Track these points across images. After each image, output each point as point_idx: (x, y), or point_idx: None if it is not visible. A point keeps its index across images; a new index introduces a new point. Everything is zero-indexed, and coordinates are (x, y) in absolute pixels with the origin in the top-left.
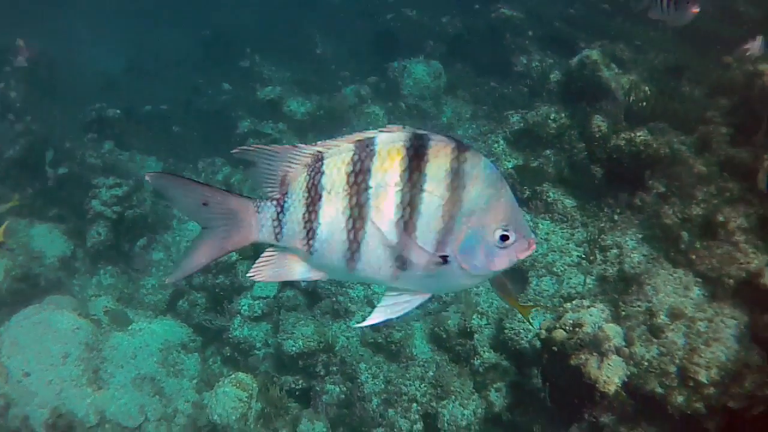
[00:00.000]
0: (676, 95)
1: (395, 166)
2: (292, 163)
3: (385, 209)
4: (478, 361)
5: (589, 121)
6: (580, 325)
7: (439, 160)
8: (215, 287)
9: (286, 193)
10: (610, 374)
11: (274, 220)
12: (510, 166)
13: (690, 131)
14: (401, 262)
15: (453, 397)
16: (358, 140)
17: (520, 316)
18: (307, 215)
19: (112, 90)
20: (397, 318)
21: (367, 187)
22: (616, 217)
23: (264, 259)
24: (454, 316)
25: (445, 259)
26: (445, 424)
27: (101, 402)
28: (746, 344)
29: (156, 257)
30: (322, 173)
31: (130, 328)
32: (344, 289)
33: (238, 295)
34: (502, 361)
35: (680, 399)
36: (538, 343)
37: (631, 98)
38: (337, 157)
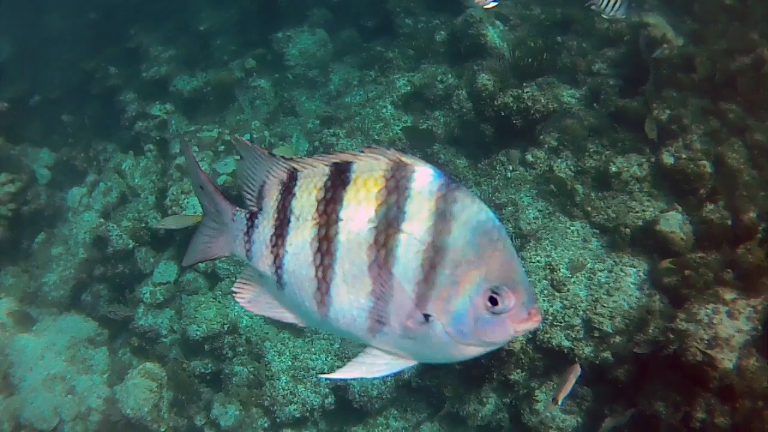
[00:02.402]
0: (564, 49)
1: (370, 199)
2: (270, 174)
3: (355, 248)
4: None
5: (475, 80)
6: None
7: (422, 196)
8: (116, 277)
9: (261, 208)
10: None
11: (244, 234)
12: (398, 129)
13: (579, 84)
14: (377, 316)
15: None
16: (336, 163)
17: None
18: (274, 239)
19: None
20: (372, 378)
21: (338, 219)
22: (509, 175)
23: (245, 279)
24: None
25: (427, 319)
26: (356, 396)
27: (14, 407)
28: (647, 291)
29: (54, 252)
30: (294, 195)
31: (34, 328)
32: (243, 267)
33: (138, 282)
34: None
35: (588, 350)
36: None
37: (517, 54)
38: (311, 179)
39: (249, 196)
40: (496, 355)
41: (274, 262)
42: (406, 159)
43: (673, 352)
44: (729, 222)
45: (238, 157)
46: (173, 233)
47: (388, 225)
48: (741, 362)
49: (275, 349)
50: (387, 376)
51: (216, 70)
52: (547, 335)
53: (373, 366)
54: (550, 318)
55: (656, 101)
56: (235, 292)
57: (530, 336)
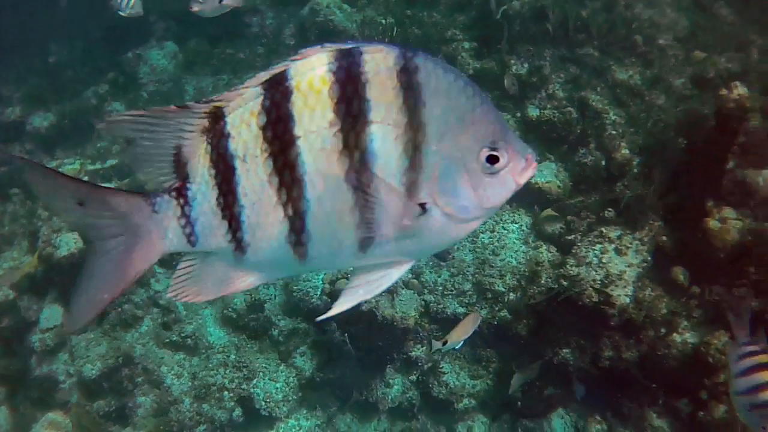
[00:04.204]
0: (415, 22)
1: (324, 100)
2: (185, 131)
3: (325, 162)
4: (276, 331)
5: None
6: None
7: (381, 76)
8: (2, 332)
9: (187, 177)
10: (405, 309)
11: (179, 218)
12: None
13: (434, 54)
14: (367, 228)
15: (261, 374)
16: (266, 80)
17: (305, 275)
18: (222, 199)
19: None
20: (375, 296)
21: (294, 139)
22: None
23: (183, 272)
24: (238, 295)
25: (423, 208)
26: (263, 403)
27: None
28: (533, 243)
29: None
30: (228, 136)
31: None
32: (126, 296)
33: (26, 333)
34: (299, 324)
35: (484, 312)
36: (327, 298)
37: (366, 33)
38: (243, 108)
39: (165, 177)
40: (392, 334)
41: (230, 226)
42: (346, 45)
43: (568, 298)
44: (603, 162)
45: (126, 145)
46: (52, 276)
47: (354, 121)
48: (637, 295)
49: (173, 372)
50: (389, 289)
51: (71, 102)
52: (440, 305)
53: (371, 284)
54: (441, 288)
55: (513, 57)
56: (176, 295)
57: (422, 310)
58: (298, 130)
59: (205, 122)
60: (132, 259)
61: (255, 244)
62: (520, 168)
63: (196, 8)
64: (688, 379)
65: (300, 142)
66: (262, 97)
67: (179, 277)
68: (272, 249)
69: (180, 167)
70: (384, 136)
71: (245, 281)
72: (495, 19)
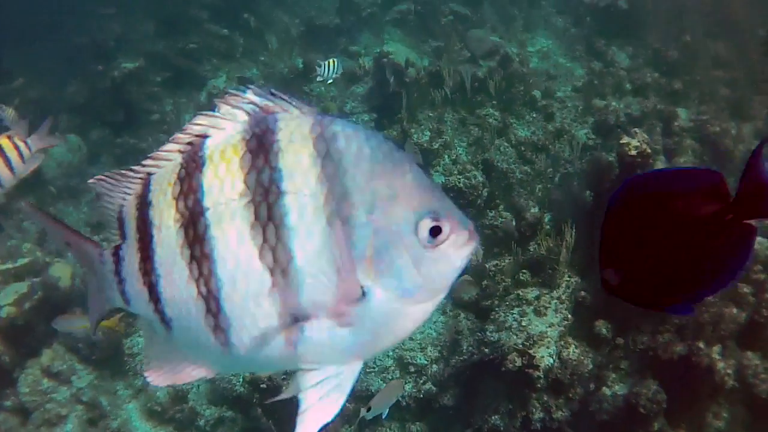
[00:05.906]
0: (312, 97)
1: (234, 171)
2: (126, 194)
3: (235, 237)
4: (202, 421)
5: None
6: None
7: (295, 145)
8: None
9: (125, 237)
10: None
11: (114, 274)
12: None
13: None
14: (292, 315)
15: None
16: (189, 143)
17: None
18: (143, 265)
19: None
20: (335, 417)
21: (203, 211)
22: None
23: (148, 344)
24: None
25: (360, 291)
26: None
27: None
28: (451, 312)
29: None
30: (150, 204)
31: None
32: (48, 395)
33: None
34: (225, 413)
35: (408, 387)
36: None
37: None
38: (163, 176)
39: (115, 236)
40: None
41: (151, 295)
42: (269, 103)
43: (493, 364)
44: (513, 222)
45: (95, 198)
46: None
47: (266, 193)
48: (561, 354)
49: None
50: (346, 402)
51: None
52: (364, 384)
53: (325, 400)
54: (363, 365)
55: (413, 125)
56: (149, 378)
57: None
58: (207, 202)
59: (139, 187)
60: (100, 295)
61: (177, 321)
62: (462, 241)
63: None
64: (622, 431)
65: (209, 215)
66: (179, 166)
67: (148, 348)
68: (192, 330)
69: (121, 227)
70: (302, 207)
71: (192, 371)
72: (392, 88)
